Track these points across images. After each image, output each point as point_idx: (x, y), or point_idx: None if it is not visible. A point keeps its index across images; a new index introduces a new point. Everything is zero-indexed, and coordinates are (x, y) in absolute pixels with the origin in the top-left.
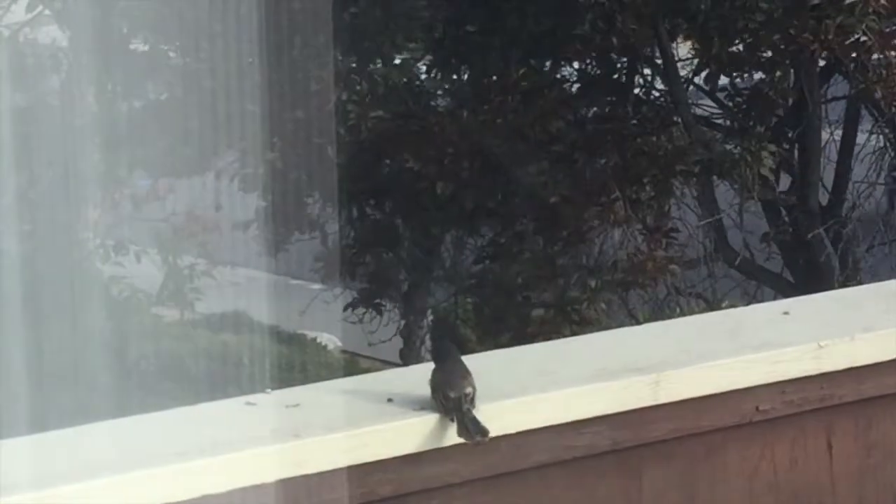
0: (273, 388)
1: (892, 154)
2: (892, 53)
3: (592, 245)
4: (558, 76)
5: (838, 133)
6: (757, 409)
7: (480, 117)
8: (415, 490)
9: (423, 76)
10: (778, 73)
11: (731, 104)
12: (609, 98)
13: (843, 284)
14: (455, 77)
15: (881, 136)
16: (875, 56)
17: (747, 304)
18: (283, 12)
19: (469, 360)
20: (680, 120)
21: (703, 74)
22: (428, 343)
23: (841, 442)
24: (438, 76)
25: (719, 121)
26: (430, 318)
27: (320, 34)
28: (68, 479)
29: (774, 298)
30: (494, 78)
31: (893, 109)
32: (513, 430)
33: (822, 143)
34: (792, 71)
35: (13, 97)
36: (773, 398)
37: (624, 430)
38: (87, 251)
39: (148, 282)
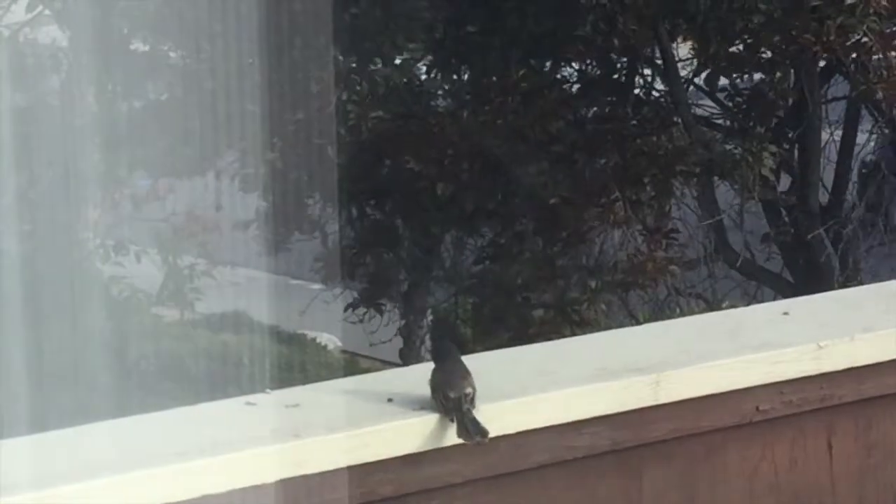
0: (273, 388)
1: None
2: (893, 54)
3: (592, 245)
4: (558, 76)
5: (838, 133)
6: (757, 409)
7: (480, 118)
8: (415, 490)
9: (424, 77)
10: (778, 74)
11: (731, 104)
12: (609, 98)
13: (844, 285)
14: (455, 77)
15: (880, 136)
16: (875, 57)
17: (747, 304)
18: (284, 13)
19: (469, 360)
20: (680, 120)
21: (704, 75)
22: (428, 343)
23: (841, 442)
24: (438, 77)
25: (719, 121)
26: (430, 318)
27: (321, 34)
28: (68, 479)
29: (774, 299)
30: (494, 78)
31: (895, 110)
32: (513, 431)
33: (822, 144)
34: (792, 71)
35: (13, 97)
36: (772, 398)
37: (624, 431)
38: (87, 251)
39: (148, 282)
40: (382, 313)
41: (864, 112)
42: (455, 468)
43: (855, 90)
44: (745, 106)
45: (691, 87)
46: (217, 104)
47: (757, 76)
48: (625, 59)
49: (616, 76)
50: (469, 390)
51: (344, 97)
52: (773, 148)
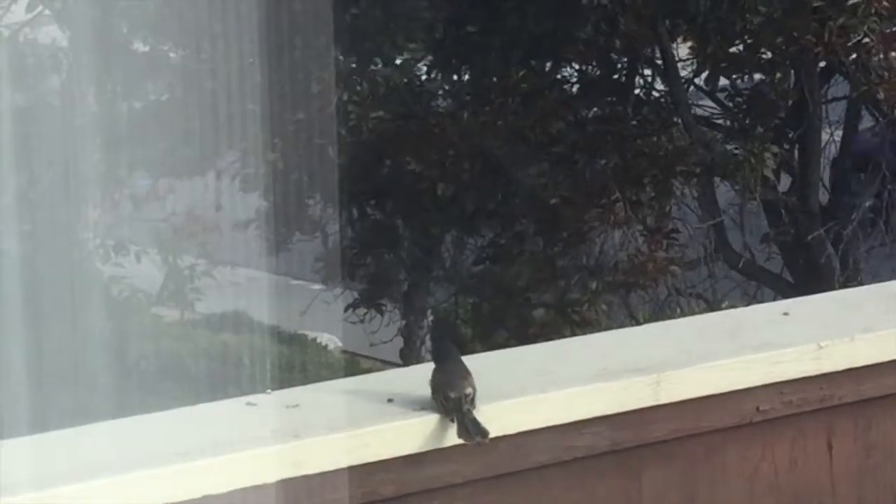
0: (273, 389)
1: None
2: (894, 55)
3: (593, 246)
4: (558, 77)
5: (838, 133)
6: (757, 409)
7: (481, 118)
8: (416, 490)
9: (424, 77)
10: (778, 75)
11: (731, 105)
12: (609, 99)
13: (844, 285)
14: (455, 78)
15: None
16: (876, 57)
17: (747, 304)
18: (284, 13)
19: (469, 361)
20: (680, 121)
21: (704, 75)
22: (428, 343)
23: (841, 442)
24: (439, 77)
25: (720, 121)
26: (431, 318)
27: (321, 35)
28: (68, 480)
29: (774, 299)
30: (495, 79)
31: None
32: (513, 431)
33: (823, 144)
34: (792, 72)
35: (13, 97)
36: (772, 399)
37: (624, 431)
38: (87, 251)
39: (148, 282)
40: (383, 313)
41: (864, 112)
42: (455, 468)
43: (856, 91)
44: (745, 106)
45: (691, 88)
46: (217, 104)
47: (757, 76)
48: (625, 60)
49: (616, 77)
50: (469, 391)
51: (344, 97)
52: (775, 149)
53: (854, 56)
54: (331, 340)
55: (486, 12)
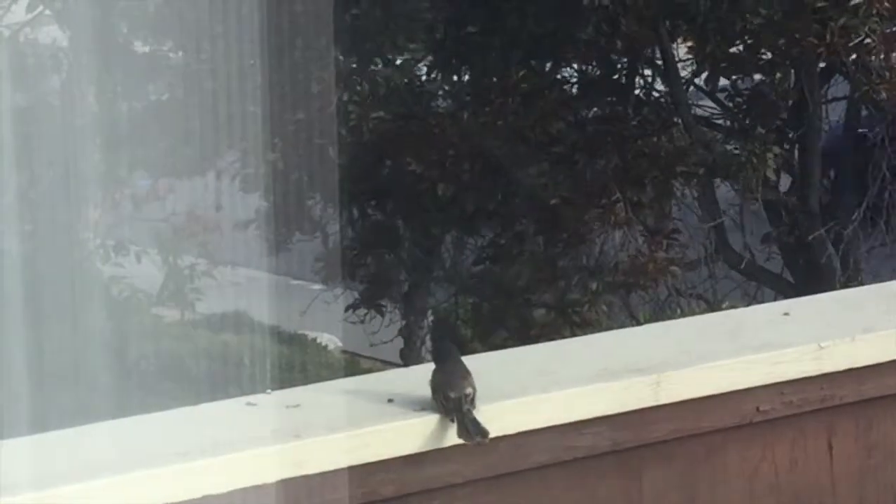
0: (274, 389)
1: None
2: (895, 55)
3: (593, 246)
4: (558, 77)
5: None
6: (757, 409)
7: (481, 119)
8: (416, 490)
9: (424, 77)
10: (778, 75)
11: (731, 105)
12: (609, 99)
13: (845, 285)
14: (456, 78)
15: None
16: (876, 57)
17: (748, 304)
18: (285, 13)
19: (469, 361)
20: (680, 121)
21: (704, 76)
22: (428, 343)
23: (841, 443)
24: (439, 77)
25: (720, 121)
26: (431, 318)
27: (321, 35)
28: (69, 480)
29: (775, 299)
30: (495, 79)
31: None
32: (513, 431)
33: (822, 144)
34: (792, 72)
35: (13, 97)
36: (773, 399)
37: (624, 431)
38: (87, 251)
39: (148, 282)
40: (383, 314)
41: (864, 112)
42: (456, 468)
43: (857, 91)
44: (745, 106)
45: (692, 88)
46: (218, 104)
47: (757, 77)
48: (625, 60)
49: (616, 77)
50: (469, 391)
51: (345, 98)
52: (777, 149)
53: (855, 56)
54: (331, 340)
55: (486, 12)
